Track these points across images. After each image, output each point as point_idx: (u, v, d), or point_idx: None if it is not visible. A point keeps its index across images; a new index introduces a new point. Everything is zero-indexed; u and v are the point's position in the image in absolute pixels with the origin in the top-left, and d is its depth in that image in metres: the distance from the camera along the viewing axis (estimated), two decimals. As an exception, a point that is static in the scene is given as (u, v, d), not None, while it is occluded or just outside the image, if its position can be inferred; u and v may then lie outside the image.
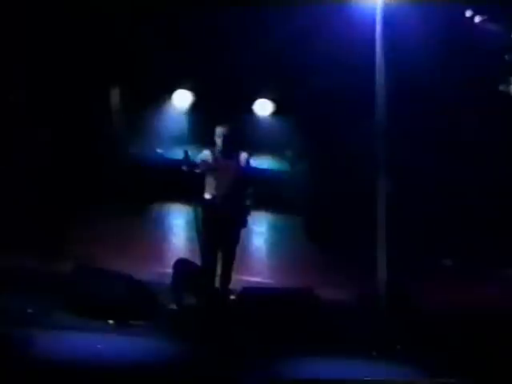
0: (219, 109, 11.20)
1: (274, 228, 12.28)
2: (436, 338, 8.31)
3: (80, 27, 11.43)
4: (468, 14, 11.55)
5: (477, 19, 11.56)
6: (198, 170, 9.21)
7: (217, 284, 9.31)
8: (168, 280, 9.20)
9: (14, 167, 11.32)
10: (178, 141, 11.54)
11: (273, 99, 12.35)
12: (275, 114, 12.41)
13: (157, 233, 11.91)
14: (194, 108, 12.34)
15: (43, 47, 11.52)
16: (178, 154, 9.38)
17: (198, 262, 9.32)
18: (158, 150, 9.70)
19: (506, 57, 11.60)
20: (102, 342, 7.77)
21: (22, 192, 11.18)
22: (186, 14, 11.37)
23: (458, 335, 8.37)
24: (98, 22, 11.37)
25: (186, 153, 9.11)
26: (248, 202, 9.38)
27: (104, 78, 11.95)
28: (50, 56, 11.57)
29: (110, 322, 8.43)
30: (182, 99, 12.37)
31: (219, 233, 9.22)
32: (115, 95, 12.48)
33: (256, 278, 10.64)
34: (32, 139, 11.61)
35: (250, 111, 12.32)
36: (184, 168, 9.11)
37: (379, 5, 10.81)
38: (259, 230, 12.02)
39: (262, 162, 11.68)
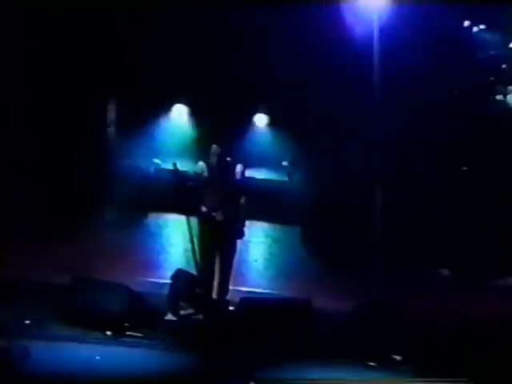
0: (216, 122, 11.24)
1: (271, 238, 12.29)
2: (432, 347, 8.34)
3: (80, 40, 11.50)
4: (467, 19, 11.60)
5: (476, 24, 11.61)
6: (193, 181, 9.24)
7: (214, 294, 9.33)
8: (166, 291, 9.21)
9: (11, 179, 11.34)
10: (176, 153, 11.57)
11: (269, 112, 12.39)
12: (271, 126, 12.45)
13: (154, 244, 11.92)
14: (192, 121, 12.38)
15: (43, 61, 11.58)
16: (171, 164, 9.42)
17: (195, 272, 9.34)
18: (156, 161, 9.73)
19: (505, 63, 11.64)
20: (100, 353, 7.79)
21: (19, 204, 11.20)
22: (184, 30, 11.44)
23: (454, 344, 8.41)
24: (98, 36, 11.44)
25: (174, 165, 9.15)
26: (244, 213, 9.40)
27: (103, 91, 12.00)
28: (50, 68, 11.62)
29: (108, 333, 8.45)
30: (179, 113, 12.44)
31: (216, 243, 9.25)
32: (113, 108, 12.52)
33: (253, 289, 10.65)
34: (29, 150, 11.64)
35: (247, 124, 12.35)
36: (179, 180, 9.15)
37: (376, 14, 10.89)
38: (256, 241, 12.03)
39: (259, 173, 11.70)
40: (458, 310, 9.46)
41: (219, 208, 9.20)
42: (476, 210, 11.37)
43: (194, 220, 9.41)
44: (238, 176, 9.40)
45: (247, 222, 9.57)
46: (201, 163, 9.39)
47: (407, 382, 7.63)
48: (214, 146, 9.39)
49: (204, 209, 9.24)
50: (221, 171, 9.34)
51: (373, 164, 11.42)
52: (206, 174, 9.31)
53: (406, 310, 8.99)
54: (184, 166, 9.66)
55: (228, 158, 9.36)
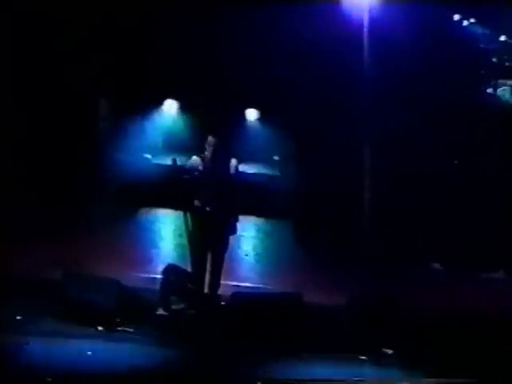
0: (208, 117, 11.24)
1: (263, 233, 12.30)
2: (424, 341, 8.36)
3: (74, 37, 11.49)
4: (457, 16, 11.62)
5: (466, 21, 11.63)
6: (187, 176, 9.22)
7: (206, 289, 9.33)
8: (157, 286, 9.20)
9: (4, 175, 11.33)
10: (168, 147, 11.57)
11: (261, 107, 12.40)
12: (263, 120, 12.45)
13: (146, 238, 11.91)
14: (184, 116, 12.38)
15: (37, 54, 11.56)
16: (167, 160, 9.42)
17: (187, 267, 9.34)
18: (147, 156, 9.73)
19: (495, 58, 11.67)
20: (92, 349, 7.78)
21: (11, 200, 11.18)
22: (177, 26, 11.43)
23: (446, 338, 8.42)
24: (91, 33, 11.42)
25: (174, 161, 9.16)
26: (237, 208, 9.40)
27: (96, 87, 11.98)
28: (43, 63, 11.60)
29: (100, 328, 8.44)
30: (171, 108, 12.43)
31: (208, 238, 9.24)
32: (106, 103, 12.51)
33: (245, 283, 10.65)
34: (23, 144, 11.63)
35: (239, 119, 12.35)
36: (173, 175, 9.15)
37: (367, 9, 10.91)
38: (248, 235, 12.04)
39: (251, 168, 11.70)
40: (452, 305, 9.47)
41: (212, 202, 9.19)
42: (471, 205, 11.40)
43: (186, 214, 9.41)
44: (232, 170, 9.39)
45: (240, 217, 9.57)
46: (195, 157, 9.38)
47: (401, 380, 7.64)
48: (210, 137, 9.37)
49: (197, 202, 9.23)
50: (215, 165, 9.31)
51: (366, 159, 11.45)
52: (200, 167, 9.29)
53: (399, 305, 9.00)
54: (179, 160, 9.65)
55: (222, 151, 9.33)
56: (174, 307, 8.97)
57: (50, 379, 6.73)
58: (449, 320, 8.94)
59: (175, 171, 9.26)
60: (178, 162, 9.26)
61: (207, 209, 9.17)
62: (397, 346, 8.31)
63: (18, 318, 8.39)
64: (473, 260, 11.06)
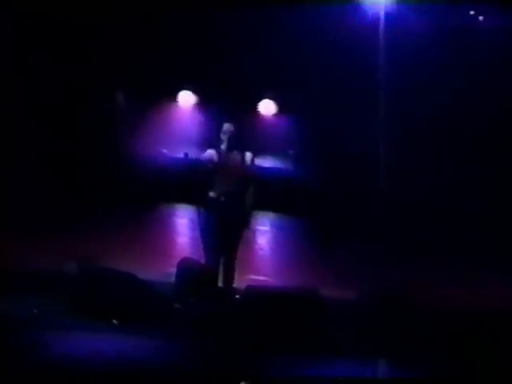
0: (223, 109, 11.23)
1: (278, 227, 12.29)
2: (435, 339, 8.29)
3: (83, 27, 11.48)
4: (472, 14, 11.57)
5: (481, 19, 11.56)
6: (202, 169, 9.24)
7: (221, 283, 9.33)
8: (172, 279, 9.20)
9: (15, 166, 11.35)
10: (183, 141, 11.56)
11: (276, 99, 12.37)
12: (279, 113, 12.42)
13: (160, 232, 11.92)
14: (198, 108, 12.36)
15: (45, 46, 11.57)
16: (182, 153, 9.43)
17: (201, 260, 9.34)
18: (163, 150, 9.74)
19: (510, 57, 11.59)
20: (106, 342, 7.78)
21: (24, 191, 11.21)
22: (189, 15, 11.41)
23: (456, 336, 8.34)
24: (100, 22, 11.41)
25: (186, 155, 9.18)
26: (251, 202, 9.39)
27: (108, 79, 11.98)
28: (53, 55, 11.60)
29: (114, 321, 8.44)
30: (186, 100, 12.41)
31: (222, 231, 9.24)
32: (119, 95, 12.52)
33: (260, 277, 10.65)
34: (34, 137, 11.64)
35: (254, 111, 12.33)
36: (187, 168, 9.18)
37: (383, 6, 10.88)
38: (263, 229, 12.04)
39: (266, 162, 11.68)
40: (470, 302, 9.39)
41: (227, 194, 9.20)
42: (486, 199, 11.33)
43: (200, 207, 9.42)
44: (247, 163, 9.40)
45: (254, 211, 9.57)
46: (210, 150, 9.41)
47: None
48: (226, 124, 9.38)
49: (212, 194, 9.25)
50: (229, 157, 9.33)
51: (379, 153, 11.43)
52: (215, 159, 9.31)
53: (416, 301, 8.94)
54: (193, 153, 9.67)
55: (238, 139, 9.34)
56: (188, 300, 8.97)
57: (62, 373, 6.73)
58: (465, 318, 8.85)
59: (189, 164, 9.27)
60: (190, 156, 9.29)
61: (221, 201, 9.18)
62: (411, 343, 8.25)
63: (35, 311, 8.42)
64: (483, 257, 10.95)
